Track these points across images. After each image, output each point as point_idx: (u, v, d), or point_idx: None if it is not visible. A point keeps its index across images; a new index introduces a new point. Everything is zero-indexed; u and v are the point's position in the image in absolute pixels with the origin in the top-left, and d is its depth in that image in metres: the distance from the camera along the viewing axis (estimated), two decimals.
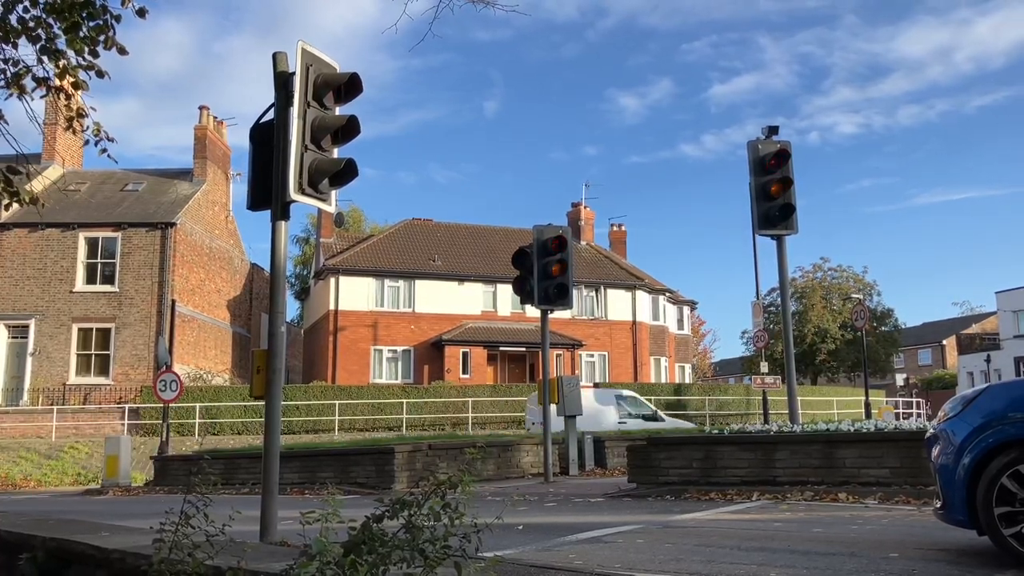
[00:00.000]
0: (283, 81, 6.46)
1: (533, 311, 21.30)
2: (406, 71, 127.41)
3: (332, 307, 36.85)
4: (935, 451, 5.42)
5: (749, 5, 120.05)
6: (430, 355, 37.53)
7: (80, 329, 31.39)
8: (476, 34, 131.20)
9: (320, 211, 32.42)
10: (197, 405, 29.66)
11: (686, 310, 49.27)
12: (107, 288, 31.59)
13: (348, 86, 6.63)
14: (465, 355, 37.20)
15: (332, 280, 37.16)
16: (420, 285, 38.40)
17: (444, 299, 38.49)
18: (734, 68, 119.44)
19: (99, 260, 31.92)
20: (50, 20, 6.35)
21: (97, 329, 31.44)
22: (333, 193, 6.69)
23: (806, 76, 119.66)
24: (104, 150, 6.73)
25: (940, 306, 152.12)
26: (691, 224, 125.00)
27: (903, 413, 42.83)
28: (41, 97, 6.72)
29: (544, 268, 15.46)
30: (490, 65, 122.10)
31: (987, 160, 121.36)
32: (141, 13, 6.50)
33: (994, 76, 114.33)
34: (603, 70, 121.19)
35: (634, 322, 41.93)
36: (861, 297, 45.62)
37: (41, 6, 6.30)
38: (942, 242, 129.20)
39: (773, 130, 12.21)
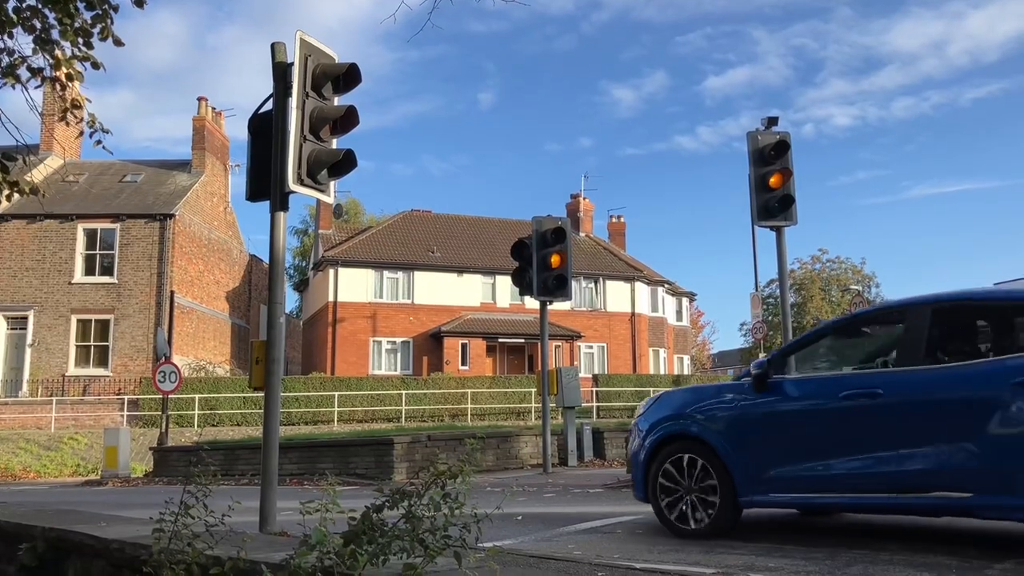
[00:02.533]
0: (282, 71, 6.43)
1: (532, 303, 21.32)
2: (401, 63, 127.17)
3: (331, 298, 36.84)
4: (630, 441, 6.91)
5: None
6: (429, 347, 37.54)
7: (79, 320, 31.36)
8: (471, 26, 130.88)
9: (319, 202, 32.35)
10: (196, 396, 29.67)
11: (685, 301, 49.29)
12: (106, 279, 31.56)
13: (347, 76, 6.60)
14: (464, 347, 37.21)
15: (331, 271, 37.14)
16: (419, 277, 38.39)
17: (443, 291, 38.49)
18: (728, 60, 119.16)
19: (98, 251, 31.87)
20: (46, 10, 6.31)
21: (96, 320, 31.41)
22: (332, 184, 6.67)
23: (800, 69, 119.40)
24: (99, 141, 6.69)
25: None
26: (688, 216, 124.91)
27: None
28: (36, 87, 6.69)
29: (543, 259, 15.45)
30: (485, 57, 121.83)
31: (982, 153, 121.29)
32: (139, 3, 6.46)
33: (988, 69, 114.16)
34: (597, 62, 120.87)
35: (633, 314, 41.95)
36: (860, 288, 45.67)
37: None
38: (939, 234, 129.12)
39: (772, 121, 12.18)
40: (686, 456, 6.27)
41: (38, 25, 6.29)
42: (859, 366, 6.38)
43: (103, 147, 6.73)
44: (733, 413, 6.23)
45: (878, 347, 6.51)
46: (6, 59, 6.46)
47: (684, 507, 6.22)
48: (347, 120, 6.56)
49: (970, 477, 5.07)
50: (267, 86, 6.46)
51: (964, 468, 5.10)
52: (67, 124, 6.94)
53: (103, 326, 31.38)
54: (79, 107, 6.76)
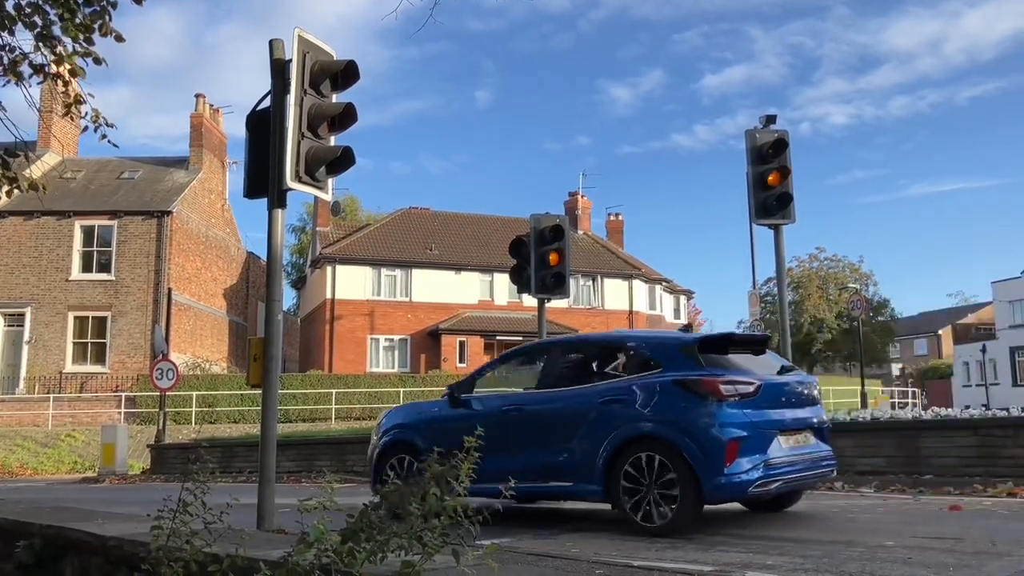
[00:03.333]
0: (279, 68, 6.42)
1: (530, 300, 21.26)
2: (399, 60, 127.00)
3: (329, 296, 36.79)
4: (370, 443, 8.64)
5: None
6: (427, 344, 37.52)
7: (76, 317, 31.30)
8: (469, 24, 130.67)
9: (316, 200, 32.36)
10: (194, 394, 29.65)
11: (683, 299, 49.31)
12: (103, 276, 31.50)
13: (345, 73, 6.59)
14: (462, 344, 37.18)
15: (329, 269, 37.09)
16: (417, 274, 38.35)
17: (441, 288, 38.46)
18: (725, 59, 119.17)
19: (95, 248, 31.80)
20: (47, 7, 6.30)
21: (93, 317, 31.35)
22: (330, 181, 6.66)
23: (797, 67, 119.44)
24: (104, 136, 6.68)
25: (936, 296, 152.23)
26: (686, 214, 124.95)
27: (899, 403, 42.93)
28: (38, 84, 6.68)
29: (541, 257, 15.43)
30: (483, 55, 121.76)
31: (979, 151, 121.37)
32: (137, 0, 6.45)
33: (985, 68, 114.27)
34: (595, 60, 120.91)
35: (631, 311, 41.93)
36: (858, 287, 45.70)
37: None
38: (935, 233, 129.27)
39: (771, 119, 12.17)
40: (406, 457, 7.94)
41: (39, 22, 6.28)
42: (528, 387, 8.24)
43: (108, 141, 6.72)
44: (435, 423, 8.02)
45: (546, 372, 8.17)
46: (7, 56, 6.44)
47: None
48: (345, 117, 6.56)
49: (570, 470, 6.90)
50: (265, 84, 6.45)
51: (567, 464, 6.93)
52: (71, 119, 6.92)
53: (100, 323, 31.33)
54: (82, 102, 6.74)
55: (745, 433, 6.36)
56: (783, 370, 7.42)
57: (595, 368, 7.76)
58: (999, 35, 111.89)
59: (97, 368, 31.02)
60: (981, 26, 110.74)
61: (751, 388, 6.61)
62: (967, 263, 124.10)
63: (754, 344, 7.61)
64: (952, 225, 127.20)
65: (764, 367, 7.20)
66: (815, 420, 7.23)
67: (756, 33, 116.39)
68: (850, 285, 48.86)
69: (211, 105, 37.12)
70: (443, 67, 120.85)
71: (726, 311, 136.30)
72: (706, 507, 6.72)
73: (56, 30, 6.30)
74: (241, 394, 29.63)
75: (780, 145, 11.82)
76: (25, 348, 30.83)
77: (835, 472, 7.52)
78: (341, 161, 6.52)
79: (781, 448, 6.60)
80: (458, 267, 39.04)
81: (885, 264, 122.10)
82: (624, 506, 6.44)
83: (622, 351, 7.61)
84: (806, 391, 7.34)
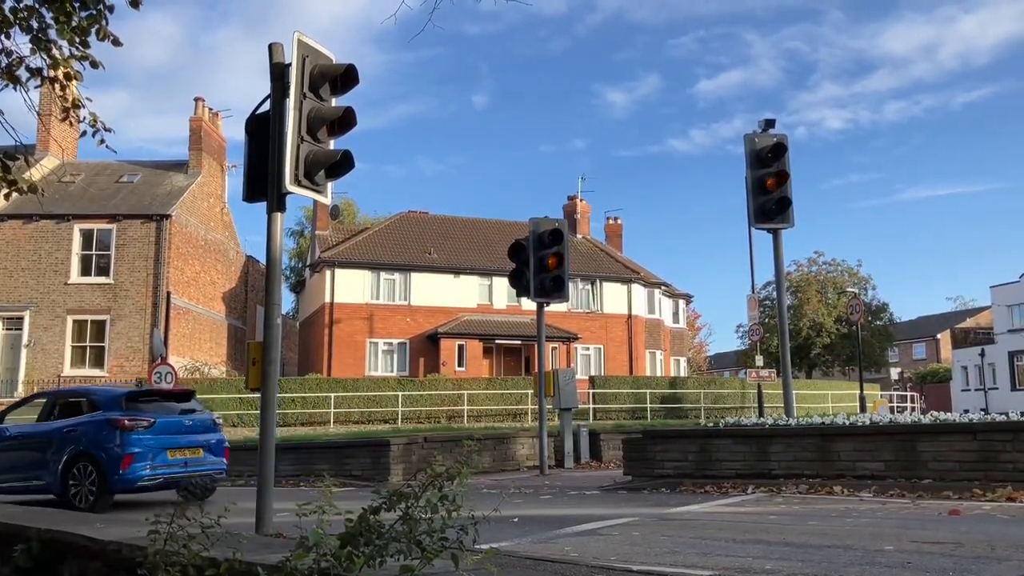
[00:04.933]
0: (279, 72, 6.43)
1: (529, 304, 21.29)
2: (395, 64, 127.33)
3: (328, 299, 36.78)
4: None
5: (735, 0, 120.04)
6: (426, 348, 37.50)
7: (75, 321, 31.27)
8: (464, 27, 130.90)
9: (315, 203, 32.34)
10: None
11: (681, 303, 49.29)
12: (102, 280, 31.46)
13: (344, 77, 6.60)
14: (461, 348, 37.16)
15: (328, 272, 37.08)
16: (416, 278, 38.34)
17: (440, 292, 38.44)
18: (720, 63, 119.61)
19: (94, 252, 31.77)
20: (42, 10, 6.29)
21: (92, 321, 31.32)
22: (329, 185, 6.66)
23: (792, 72, 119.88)
24: (102, 140, 6.66)
25: (935, 300, 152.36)
26: (684, 217, 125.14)
27: (897, 407, 42.94)
28: (36, 87, 6.66)
29: (540, 261, 15.46)
30: (479, 58, 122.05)
31: (973, 156, 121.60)
32: (135, 3, 6.43)
33: (979, 73, 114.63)
34: (591, 64, 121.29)
35: (630, 315, 41.91)
36: (856, 291, 45.75)
37: None
38: (933, 237, 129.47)
39: (770, 123, 12.21)
40: None
41: (35, 25, 6.26)
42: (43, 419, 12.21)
43: (106, 146, 6.70)
44: None
45: (44, 410, 12.32)
46: (4, 60, 6.43)
47: None
48: (345, 121, 6.56)
49: (45, 472, 11.10)
50: (263, 86, 6.46)
51: (44, 468, 11.13)
52: (70, 124, 6.91)
53: (99, 327, 31.29)
54: (80, 107, 6.73)
55: (138, 450, 10.70)
56: (184, 412, 11.81)
57: (69, 409, 11.91)
58: (993, 40, 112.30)
59: (96, 371, 30.98)
60: (975, 31, 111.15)
61: (146, 423, 10.96)
62: (966, 267, 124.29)
63: (178, 395, 12.34)
64: (949, 229, 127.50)
65: (173, 410, 11.65)
66: (207, 442, 11.74)
67: (751, 38, 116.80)
68: (849, 289, 48.85)
69: (210, 109, 37.10)
70: (439, 70, 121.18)
71: (725, 315, 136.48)
72: (692, 508, 6.72)
73: (52, 33, 6.29)
74: (240, 398, 29.54)
75: (779, 149, 11.83)
76: (24, 351, 30.79)
77: (224, 474, 12.13)
78: (340, 165, 6.52)
79: (167, 459, 10.98)
80: (457, 271, 39.03)
81: (883, 268, 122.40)
82: (69, 494, 10.70)
83: (84, 399, 11.96)
84: (201, 423, 11.91)
